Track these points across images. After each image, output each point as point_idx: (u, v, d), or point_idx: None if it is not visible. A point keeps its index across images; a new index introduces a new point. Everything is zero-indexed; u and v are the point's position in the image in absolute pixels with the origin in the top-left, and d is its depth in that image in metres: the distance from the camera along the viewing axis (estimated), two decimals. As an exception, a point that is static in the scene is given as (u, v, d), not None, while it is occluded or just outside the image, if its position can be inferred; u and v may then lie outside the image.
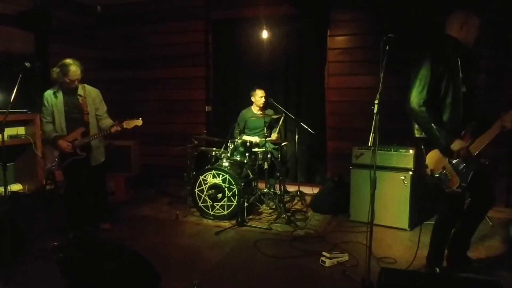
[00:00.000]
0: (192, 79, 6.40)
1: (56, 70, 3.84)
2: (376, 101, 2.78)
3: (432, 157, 2.96)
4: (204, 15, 6.23)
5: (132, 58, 6.71)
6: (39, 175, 5.78)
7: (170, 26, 6.41)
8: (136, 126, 4.02)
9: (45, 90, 5.85)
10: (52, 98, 3.95)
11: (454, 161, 2.84)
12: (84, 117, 3.99)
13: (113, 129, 3.93)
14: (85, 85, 4.06)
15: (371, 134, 2.77)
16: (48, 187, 5.73)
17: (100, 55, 6.80)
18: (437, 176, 2.91)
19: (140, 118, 4.06)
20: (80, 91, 3.98)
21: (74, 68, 3.80)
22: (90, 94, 4.05)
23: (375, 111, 2.77)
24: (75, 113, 3.98)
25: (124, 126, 3.96)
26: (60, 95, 3.95)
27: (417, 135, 3.05)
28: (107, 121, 4.08)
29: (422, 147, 3.03)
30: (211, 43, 6.36)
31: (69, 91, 3.95)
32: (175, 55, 6.43)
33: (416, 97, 2.84)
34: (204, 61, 6.32)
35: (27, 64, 3.61)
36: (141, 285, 2.78)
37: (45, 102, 3.97)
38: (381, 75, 2.81)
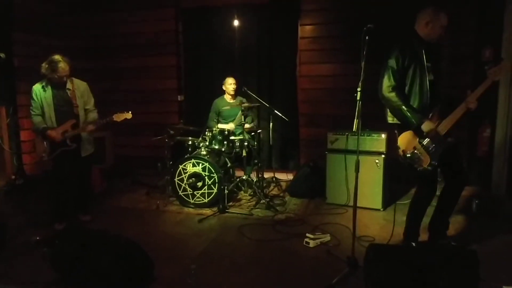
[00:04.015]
0: (163, 68, 6.36)
1: (45, 65, 3.89)
2: (358, 89, 2.95)
3: (404, 139, 3.16)
4: (173, 3, 6.18)
5: (99, 47, 6.56)
6: (7, 170, 5.59)
7: (139, 15, 6.31)
8: (125, 119, 4.13)
9: (9, 80, 5.70)
10: (41, 91, 3.98)
11: (424, 142, 3.06)
12: (74, 110, 4.06)
13: (103, 121, 4.08)
14: (73, 78, 4.11)
15: (355, 120, 2.94)
16: (17, 182, 5.56)
17: (66, 44, 6.53)
18: (408, 156, 3.10)
19: (130, 112, 4.16)
20: (68, 85, 4.05)
21: (62, 65, 3.88)
22: (78, 87, 4.12)
23: (358, 98, 2.94)
24: (64, 106, 4.05)
25: (114, 119, 4.08)
26: (49, 88, 4.00)
27: (390, 121, 3.27)
28: (93, 115, 4.18)
29: (396, 131, 3.24)
30: (181, 32, 6.33)
31: (58, 85, 4.01)
32: (145, 44, 6.36)
33: (385, 84, 3.08)
34: (175, 50, 6.30)
35: (2, 55, 3.54)
36: (136, 272, 2.82)
37: (34, 96, 3.99)
38: (362, 63, 2.96)
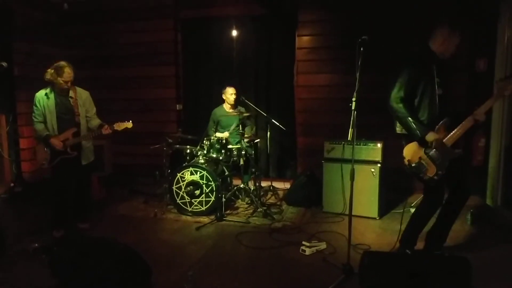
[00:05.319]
0: (162, 78, 6.41)
1: (50, 71, 3.94)
2: (353, 99, 3.02)
3: (409, 149, 3.21)
4: (173, 14, 6.26)
5: (99, 57, 6.61)
6: (6, 178, 5.63)
7: (138, 25, 6.38)
8: (126, 128, 4.18)
9: (9, 89, 5.76)
10: (44, 99, 4.03)
11: (430, 152, 3.11)
12: (76, 118, 4.11)
13: (105, 132, 4.09)
14: (76, 87, 4.17)
15: (350, 129, 3.00)
16: (16, 189, 5.59)
17: (66, 53, 6.61)
18: (414, 166, 3.15)
19: (130, 121, 4.20)
20: (71, 93, 4.10)
21: (68, 70, 3.95)
22: (81, 96, 4.18)
23: (353, 107, 3.01)
24: (67, 114, 4.09)
25: (115, 128, 4.13)
26: (52, 96, 4.04)
27: (398, 132, 3.33)
28: (95, 121, 4.23)
29: (403, 142, 3.28)
30: (180, 42, 6.41)
31: (61, 93, 4.06)
32: (144, 54, 6.41)
33: (394, 96, 3.14)
34: (174, 59, 6.36)
35: (4, 63, 3.61)
36: (134, 279, 2.86)
37: (37, 103, 4.03)
38: (357, 74, 3.04)
